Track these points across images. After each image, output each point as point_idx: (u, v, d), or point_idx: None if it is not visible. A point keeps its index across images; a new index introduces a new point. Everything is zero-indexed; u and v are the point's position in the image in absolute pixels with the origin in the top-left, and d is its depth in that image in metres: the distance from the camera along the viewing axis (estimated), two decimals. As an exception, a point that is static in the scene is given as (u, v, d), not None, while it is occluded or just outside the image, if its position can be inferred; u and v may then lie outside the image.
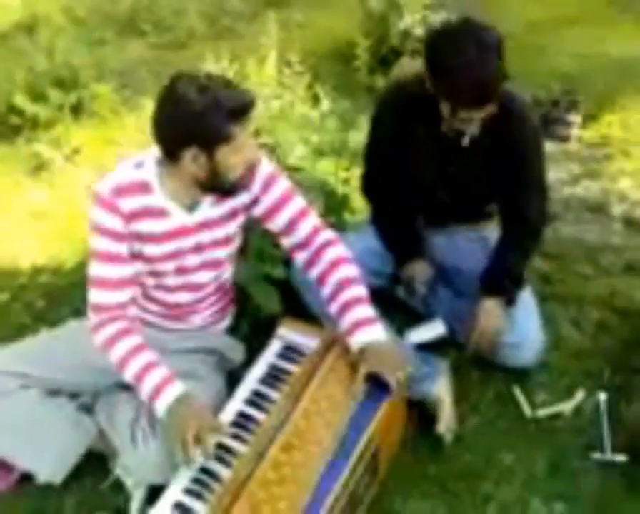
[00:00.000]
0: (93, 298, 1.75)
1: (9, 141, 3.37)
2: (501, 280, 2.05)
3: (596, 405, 1.99)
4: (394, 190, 2.14)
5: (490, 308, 2.02)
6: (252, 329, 2.11)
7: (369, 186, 2.23)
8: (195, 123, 1.55)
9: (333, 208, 2.37)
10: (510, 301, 2.04)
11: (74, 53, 3.62)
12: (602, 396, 2.00)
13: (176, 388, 1.67)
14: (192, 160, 1.60)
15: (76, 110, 3.40)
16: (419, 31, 3.48)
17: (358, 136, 2.47)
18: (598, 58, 3.70)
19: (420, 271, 2.17)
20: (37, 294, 2.41)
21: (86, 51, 3.75)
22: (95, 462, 1.88)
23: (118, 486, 1.83)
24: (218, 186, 1.67)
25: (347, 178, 2.47)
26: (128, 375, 1.70)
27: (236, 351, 2.00)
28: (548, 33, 3.96)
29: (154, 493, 1.67)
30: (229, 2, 4.62)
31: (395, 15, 3.56)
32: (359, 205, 2.49)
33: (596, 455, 1.88)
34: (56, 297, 2.37)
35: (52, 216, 2.83)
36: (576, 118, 3.19)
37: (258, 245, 2.07)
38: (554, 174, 2.95)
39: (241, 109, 1.58)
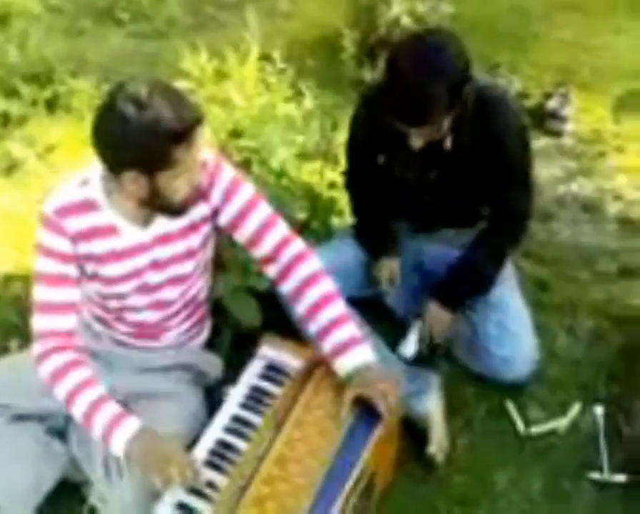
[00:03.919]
0: (38, 325, 1.62)
1: (-21, 140, 3.22)
2: (453, 287, 2.01)
3: (593, 420, 1.92)
4: (374, 189, 2.06)
5: (435, 313, 2.00)
6: (232, 344, 2.02)
7: (350, 183, 2.16)
8: (133, 147, 1.42)
9: (318, 213, 2.27)
10: (457, 307, 2.01)
11: (49, 45, 3.46)
12: (599, 410, 1.93)
13: (131, 425, 1.53)
14: (132, 182, 1.48)
15: (52, 105, 3.25)
16: (408, 21, 3.35)
17: (344, 136, 2.36)
18: (591, 50, 3.58)
19: (386, 269, 2.09)
20: (9, 306, 2.29)
21: (62, 42, 3.59)
22: (69, 488, 1.78)
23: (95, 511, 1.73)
24: (162, 207, 1.56)
25: (334, 181, 2.36)
26: (77, 412, 1.56)
27: (213, 366, 1.91)
28: (539, 20, 3.83)
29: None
30: (212, -10, 4.47)
31: (383, 4, 3.43)
32: (347, 208, 2.39)
33: (594, 475, 1.81)
34: (29, 310, 2.25)
35: (25, 220, 2.69)
36: (569, 111, 3.10)
37: (243, 256, 1.97)
38: (548, 171, 2.85)
39: (183, 132, 1.43)
